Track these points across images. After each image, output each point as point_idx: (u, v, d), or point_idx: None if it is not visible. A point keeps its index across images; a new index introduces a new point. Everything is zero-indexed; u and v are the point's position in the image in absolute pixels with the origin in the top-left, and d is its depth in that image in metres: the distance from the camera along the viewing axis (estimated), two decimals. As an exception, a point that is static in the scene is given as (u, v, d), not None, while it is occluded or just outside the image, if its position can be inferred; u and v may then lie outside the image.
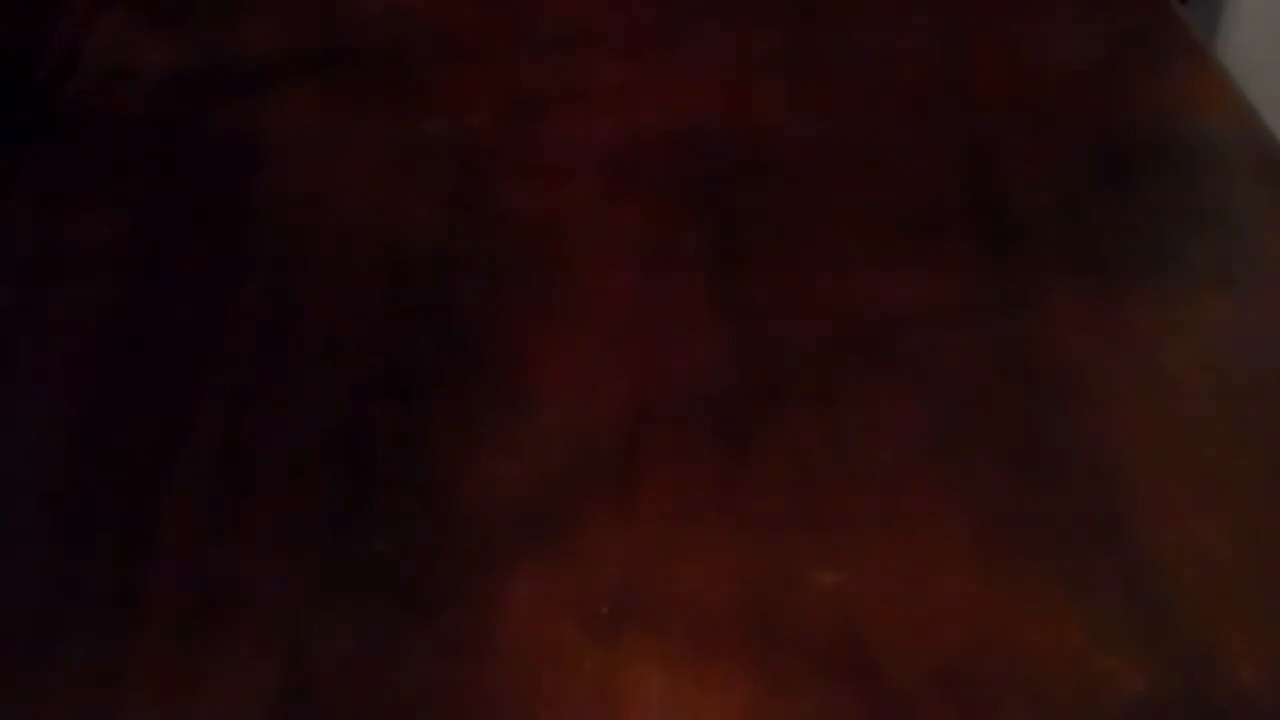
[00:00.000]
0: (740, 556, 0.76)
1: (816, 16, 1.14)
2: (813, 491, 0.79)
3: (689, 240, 0.92)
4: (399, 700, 0.69)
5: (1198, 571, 0.75)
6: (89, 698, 0.70)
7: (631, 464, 0.80)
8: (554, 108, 1.05)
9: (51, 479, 0.80)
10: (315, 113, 1.06)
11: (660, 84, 1.08)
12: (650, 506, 0.78)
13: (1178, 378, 0.85)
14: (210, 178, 1.01)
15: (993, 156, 1.00)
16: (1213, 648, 0.71)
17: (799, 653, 0.71)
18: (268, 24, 1.15)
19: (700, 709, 0.69)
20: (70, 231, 0.96)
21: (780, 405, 0.84)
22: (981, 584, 0.74)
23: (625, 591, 0.74)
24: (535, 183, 0.99)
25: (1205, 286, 0.90)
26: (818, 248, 0.93)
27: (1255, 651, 0.71)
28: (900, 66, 1.08)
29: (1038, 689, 0.70)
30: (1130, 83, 1.07)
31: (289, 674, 0.70)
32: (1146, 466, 0.80)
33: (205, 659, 0.71)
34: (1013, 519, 0.78)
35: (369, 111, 1.06)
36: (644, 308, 0.90)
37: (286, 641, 0.72)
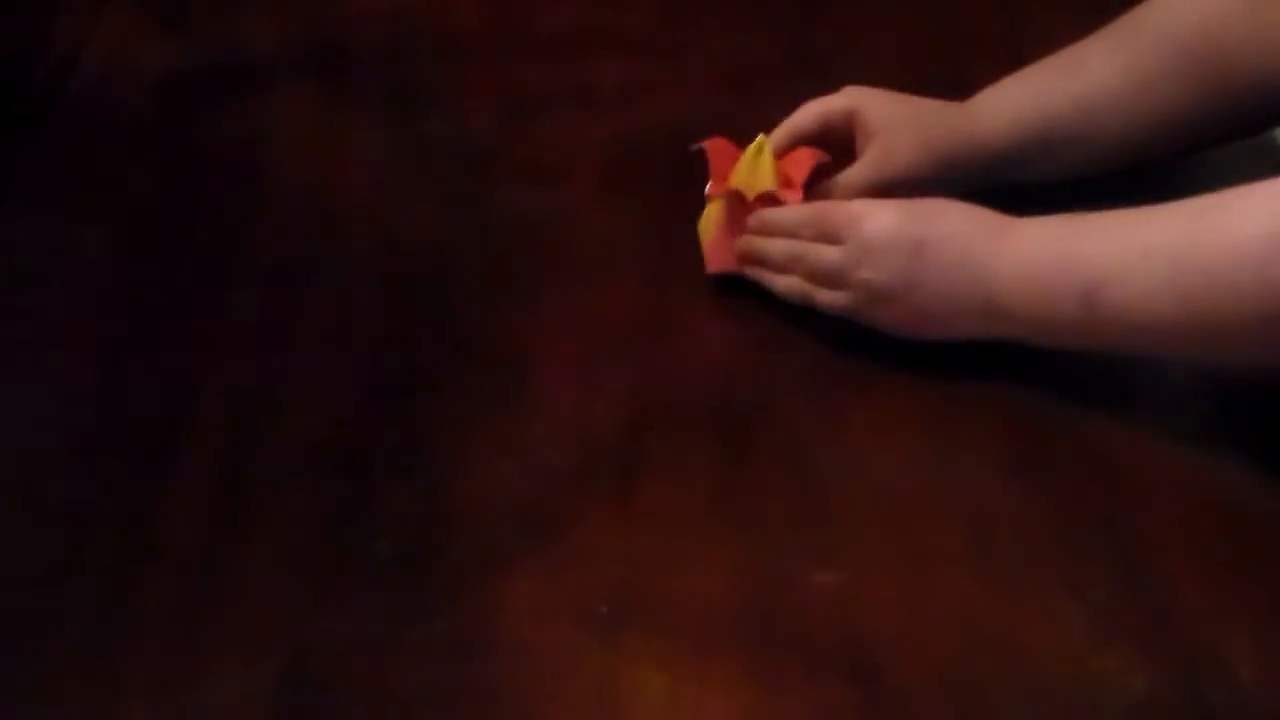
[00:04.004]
0: (740, 556, 0.76)
1: (816, 16, 1.14)
2: (812, 492, 0.79)
3: (688, 240, 0.92)
4: (399, 700, 0.70)
5: (1198, 571, 0.75)
6: (89, 697, 0.70)
7: (631, 464, 0.80)
8: (554, 108, 1.05)
9: (51, 479, 0.80)
10: (315, 113, 1.06)
11: (660, 84, 1.08)
12: (650, 506, 0.78)
13: (1177, 378, 0.85)
14: (210, 177, 1.01)
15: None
16: (1213, 648, 0.71)
17: (799, 653, 0.71)
18: (268, 24, 1.15)
19: (700, 709, 0.69)
20: (70, 231, 0.96)
21: (780, 405, 0.84)
22: (981, 584, 0.74)
23: (625, 591, 0.74)
24: (535, 183, 0.99)
25: (1205, 286, 0.90)
26: (818, 248, 0.93)
27: (1255, 651, 0.71)
28: (900, 66, 1.08)
29: (1038, 689, 0.70)
30: (1130, 83, 1.07)
31: (289, 674, 0.70)
32: (1146, 466, 0.80)
33: (205, 659, 0.71)
34: (1013, 519, 0.78)
35: (369, 111, 1.06)
36: (643, 307, 0.90)
37: (286, 641, 0.72)
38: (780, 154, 0.91)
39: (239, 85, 1.08)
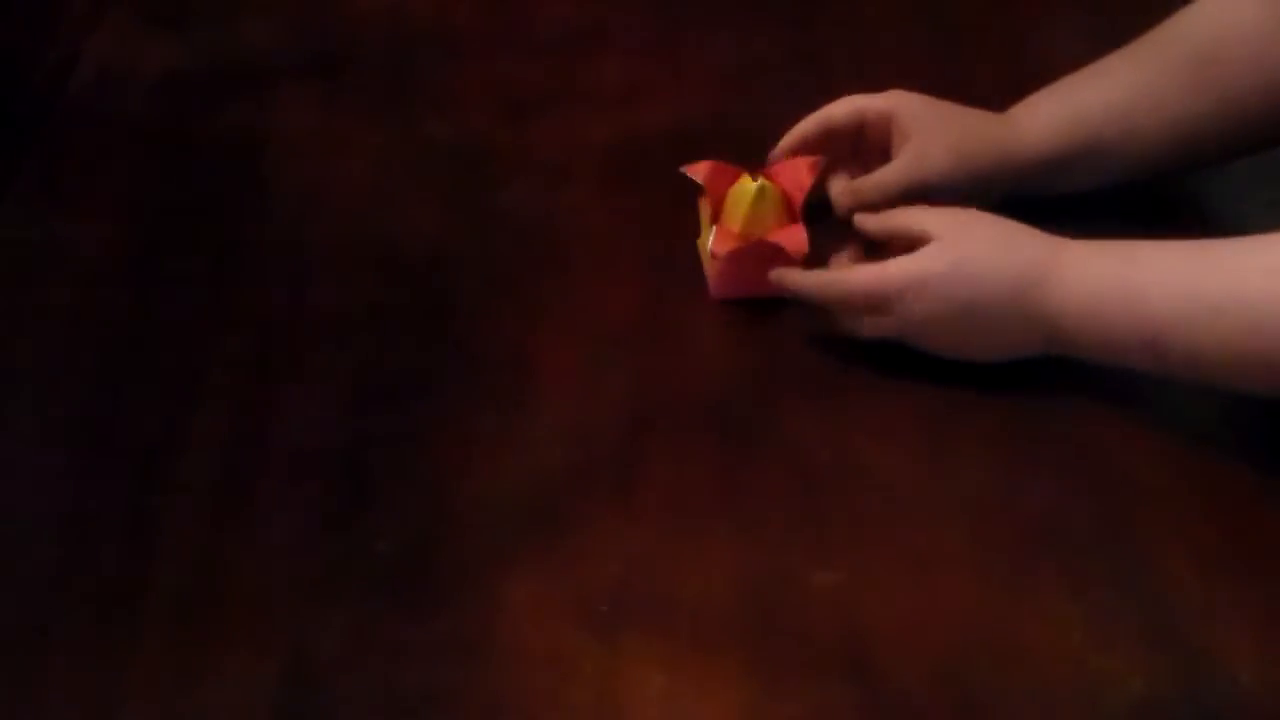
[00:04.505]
0: (739, 556, 0.76)
1: (817, 16, 1.14)
2: (812, 491, 0.79)
3: (689, 241, 0.92)
4: (399, 700, 0.70)
5: (1198, 571, 0.75)
6: (89, 697, 0.70)
7: (631, 464, 0.80)
8: (554, 108, 1.05)
9: (52, 479, 0.80)
10: (315, 113, 1.06)
11: (660, 84, 1.08)
12: (649, 506, 0.78)
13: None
14: (210, 178, 1.01)
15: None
16: (1212, 648, 0.71)
17: (798, 652, 0.71)
18: (268, 24, 1.15)
19: (700, 709, 0.69)
20: (70, 231, 0.96)
21: (780, 405, 0.84)
22: (981, 584, 0.74)
23: (625, 591, 0.74)
24: (535, 183, 0.99)
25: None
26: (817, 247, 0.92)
27: (1255, 651, 0.71)
28: (900, 66, 1.08)
29: (1038, 689, 0.70)
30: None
31: (289, 674, 0.70)
32: (1146, 466, 0.80)
33: (206, 658, 0.71)
34: (1012, 519, 0.78)
35: (369, 111, 1.06)
36: (643, 307, 0.90)
37: (286, 641, 0.72)
38: (804, 144, 0.91)
39: (239, 85, 1.08)
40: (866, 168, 0.91)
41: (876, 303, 0.82)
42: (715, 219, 0.89)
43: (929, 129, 0.90)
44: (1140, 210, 0.90)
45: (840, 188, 0.92)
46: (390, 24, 1.15)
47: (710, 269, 0.89)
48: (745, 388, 0.85)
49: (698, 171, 0.89)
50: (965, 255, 0.81)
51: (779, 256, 0.86)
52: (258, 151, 1.02)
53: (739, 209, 0.87)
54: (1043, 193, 0.90)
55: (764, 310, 0.88)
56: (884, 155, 0.91)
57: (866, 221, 0.87)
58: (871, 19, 1.14)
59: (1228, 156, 0.92)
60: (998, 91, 0.94)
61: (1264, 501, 0.78)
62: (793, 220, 0.88)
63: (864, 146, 0.92)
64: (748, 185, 0.87)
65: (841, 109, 0.92)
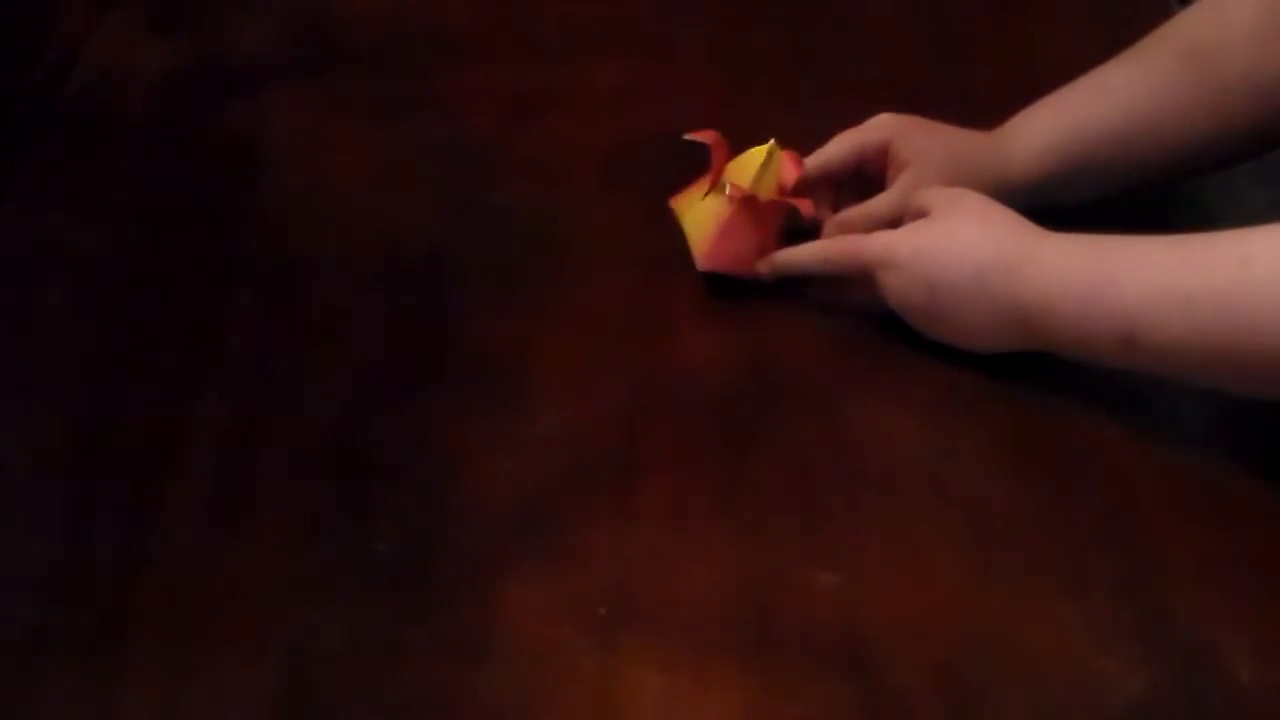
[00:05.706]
0: (739, 557, 0.76)
1: (817, 16, 1.14)
2: (812, 492, 0.79)
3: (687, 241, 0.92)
4: (397, 700, 0.69)
5: (1198, 571, 0.75)
6: (88, 697, 0.70)
7: (630, 464, 0.80)
8: (553, 108, 1.05)
9: (52, 478, 0.80)
10: (315, 113, 1.06)
11: (659, 85, 1.08)
12: (649, 507, 0.78)
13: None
14: (210, 178, 1.01)
15: (993, 156, 0.99)
16: (1212, 648, 0.71)
17: (798, 652, 0.71)
18: (268, 25, 1.15)
19: (699, 709, 0.69)
20: (70, 232, 0.96)
21: (780, 405, 0.84)
22: (980, 584, 0.74)
23: (623, 592, 0.74)
24: (534, 183, 0.99)
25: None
26: (817, 248, 0.92)
27: (1255, 651, 0.71)
28: (900, 66, 1.08)
29: (1038, 689, 0.70)
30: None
31: (289, 674, 0.70)
32: (1146, 466, 0.80)
33: (205, 658, 0.71)
34: (1012, 519, 0.78)
35: (369, 111, 1.06)
36: (643, 308, 0.90)
37: (286, 641, 0.72)
38: (810, 184, 0.91)
39: (238, 86, 1.08)
40: (861, 194, 0.91)
41: (858, 273, 0.85)
42: (713, 187, 0.89)
43: (923, 159, 0.89)
44: (1139, 210, 0.90)
45: (828, 219, 0.91)
46: (389, 25, 1.15)
47: (700, 234, 0.89)
48: (745, 388, 0.85)
49: (705, 136, 0.89)
50: (936, 237, 0.82)
51: (783, 218, 0.88)
52: (257, 152, 1.02)
53: (748, 170, 0.88)
54: (1037, 206, 0.90)
55: (764, 310, 0.88)
56: (881, 182, 0.91)
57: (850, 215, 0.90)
58: (872, 19, 1.14)
59: (1224, 164, 0.91)
60: (999, 93, 0.94)
61: (1263, 502, 0.78)
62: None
63: (862, 174, 0.91)
64: (759, 150, 0.88)
65: (839, 150, 0.91)
